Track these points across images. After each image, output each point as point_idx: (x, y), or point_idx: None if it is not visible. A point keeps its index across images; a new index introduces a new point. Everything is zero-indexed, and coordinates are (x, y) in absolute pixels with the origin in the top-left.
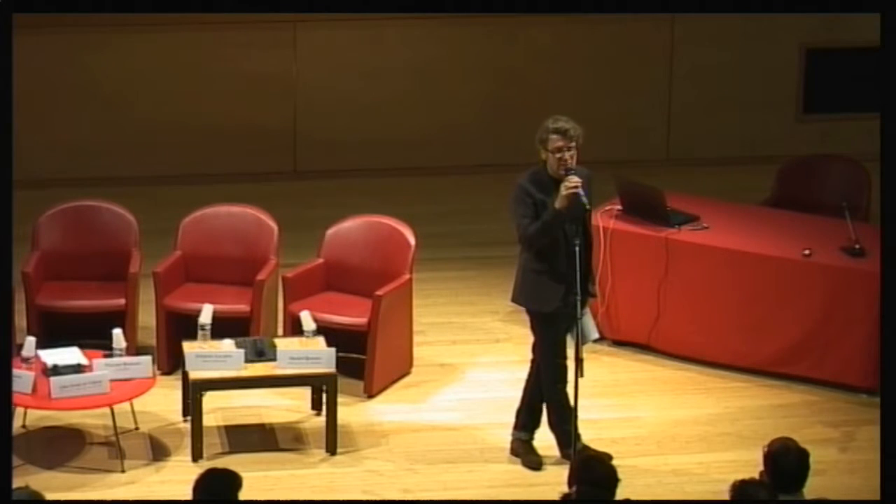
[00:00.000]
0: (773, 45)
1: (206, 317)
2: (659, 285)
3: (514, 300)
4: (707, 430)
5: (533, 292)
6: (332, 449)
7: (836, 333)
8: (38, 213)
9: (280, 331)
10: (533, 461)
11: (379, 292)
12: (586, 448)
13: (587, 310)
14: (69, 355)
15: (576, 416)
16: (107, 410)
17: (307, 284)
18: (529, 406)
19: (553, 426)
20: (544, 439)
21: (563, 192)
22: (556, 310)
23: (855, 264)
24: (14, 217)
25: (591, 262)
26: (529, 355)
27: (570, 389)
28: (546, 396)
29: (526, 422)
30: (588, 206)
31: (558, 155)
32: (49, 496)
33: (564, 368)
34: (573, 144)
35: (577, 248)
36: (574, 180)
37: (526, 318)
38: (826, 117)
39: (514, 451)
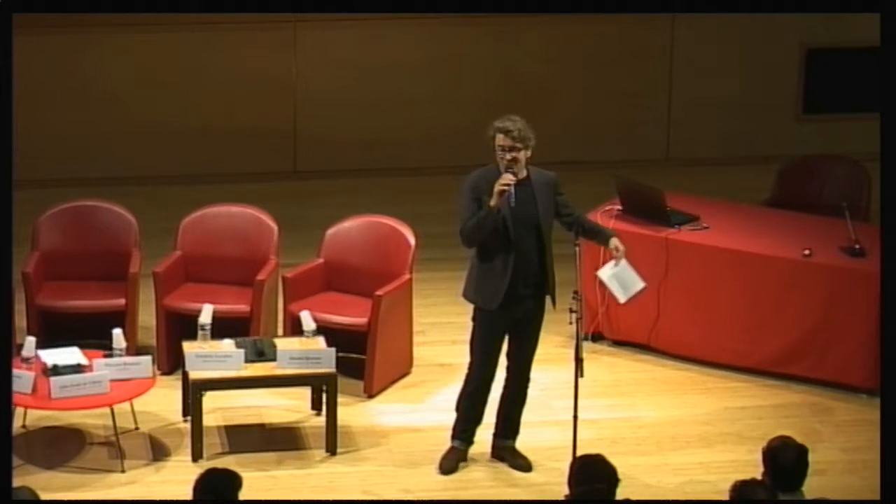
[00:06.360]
0: (773, 45)
1: (206, 317)
2: (659, 285)
3: (463, 295)
4: (707, 430)
5: (478, 289)
6: (332, 449)
7: (836, 333)
8: (38, 213)
9: (280, 331)
10: (520, 464)
11: (379, 292)
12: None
13: (623, 261)
14: (69, 355)
15: (575, 417)
16: (107, 410)
17: (307, 284)
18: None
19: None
20: (539, 439)
21: (496, 189)
22: (499, 308)
23: (855, 264)
24: (14, 217)
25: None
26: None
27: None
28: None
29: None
30: (512, 204)
31: (500, 153)
32: (49, 496)
33: (482, 373)
34: (518, 145)
35: (526, 251)
36: (507, 178)
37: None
38: (826, 117)
39: (498, 456)
